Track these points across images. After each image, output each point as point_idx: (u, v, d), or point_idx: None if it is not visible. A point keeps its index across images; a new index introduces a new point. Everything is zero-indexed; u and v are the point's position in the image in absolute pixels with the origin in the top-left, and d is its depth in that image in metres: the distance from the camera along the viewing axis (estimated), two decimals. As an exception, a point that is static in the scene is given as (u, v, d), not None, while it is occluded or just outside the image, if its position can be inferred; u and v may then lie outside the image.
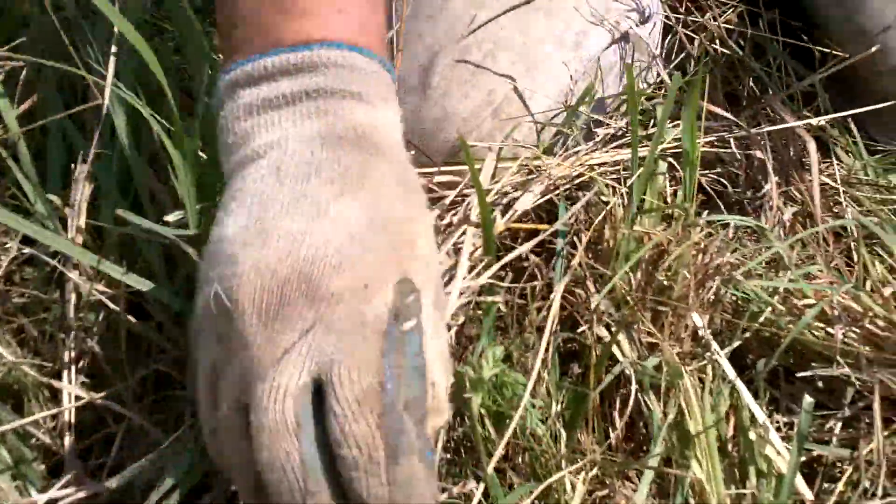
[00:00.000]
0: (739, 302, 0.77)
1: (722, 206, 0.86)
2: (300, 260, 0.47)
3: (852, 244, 0.83)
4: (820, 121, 0.91)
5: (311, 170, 0.51)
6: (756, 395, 0.71)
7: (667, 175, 0.82)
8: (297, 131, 0.52)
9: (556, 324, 0.71)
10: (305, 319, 0.47)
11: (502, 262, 0.72)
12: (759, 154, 0.86)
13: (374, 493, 0.44)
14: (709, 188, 0.88)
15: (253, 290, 0.47)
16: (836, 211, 0.89)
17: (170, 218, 0.61)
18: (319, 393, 0.46)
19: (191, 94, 0.69)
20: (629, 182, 0.75)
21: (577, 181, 0.78)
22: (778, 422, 0.74)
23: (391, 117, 0.57)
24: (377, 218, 0.51)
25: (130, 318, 0.62)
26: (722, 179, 0.88)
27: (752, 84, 0.98)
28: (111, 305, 0.61)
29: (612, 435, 0.70)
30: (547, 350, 0.69)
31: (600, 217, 0.74)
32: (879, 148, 0.96)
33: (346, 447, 0.44)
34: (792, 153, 0.89)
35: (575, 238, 0.76)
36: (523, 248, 0.74)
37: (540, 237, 0.74)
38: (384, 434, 0.44)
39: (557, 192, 0.77)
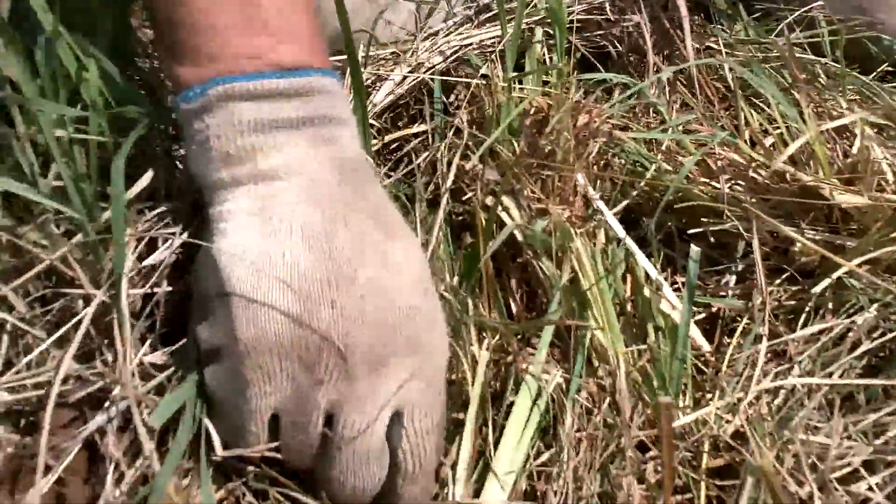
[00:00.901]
0: (627, 164, 0.77)
1: (605, 72, 0.85)
2: (401, 314, 0.54)
3: (738, 101, 0.83)
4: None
5: (346, 206, 0.55)
6: (650, 256, 0.71)
7: (544, 43, 0.81)
8: (313, 158, 0.56)
9: (447, 195, 0.70)
10: (406, 369, 0.54)
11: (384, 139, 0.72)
12: (637, 19, 0.85)
13: (423, 488, 0.55)
14: (593, 59, 0.87)
15: (366, 336, 0.52)
16: (721, 74, 0.89)
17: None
18: None
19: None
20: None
21: (451, 59, 0.77)
22: (676, 281, 0.74)
23: (359, 136, 0.62)
24: (418, 261, 0.58)
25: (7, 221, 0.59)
26: (607, 45, 0.87)
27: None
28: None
29: (512, 305, 0.70)
30: (441, 223, 0.68)
31: (474, 84, 0.73)
32: (758, 7, 0.96)
33: (410, 463, 0.54)
34: (672, 23, 0.89)
35: (459, 114, 0.75)
36: (414, 128, 0.73)
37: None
38: (437, 453, 0.56)
39: (431, 70, 0.76)
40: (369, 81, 0.75)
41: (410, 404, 0.54)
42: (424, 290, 0.57)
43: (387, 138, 0.73)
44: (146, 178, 0.59)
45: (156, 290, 0.59)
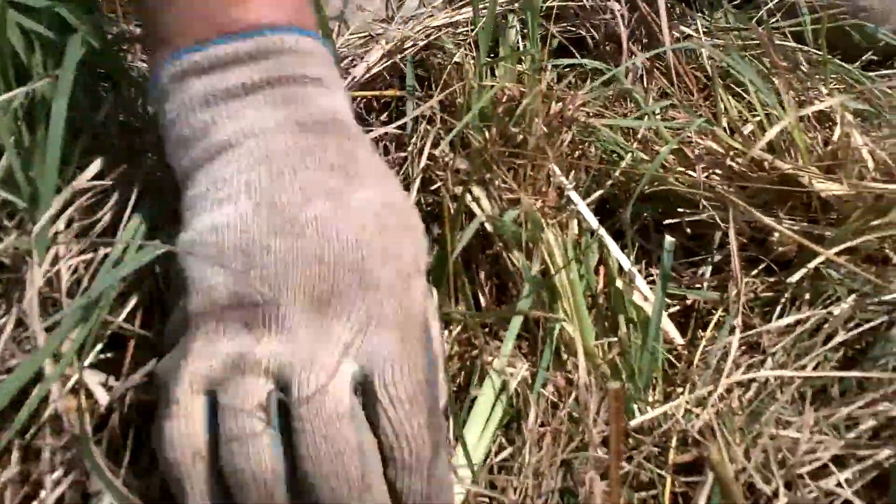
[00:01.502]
0: (602, 154, 0.75)
1: (580, 58, 0.84)
2: (346, 246, 0.47)
3: (716, 88, 0.81)
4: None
5: (304, 156, 0.49)
6: (625, 248, 0.70)
7: (518, 30, 0.79)
8: (269, 119, 0.50)
9: (418, 185, 0.68)
10: (359, 310, 0.46)
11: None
12: (614, 6, 0.83)
13: (414, 490, 0.44)
14: (570, 47, 0.86)
15: (303, 276, 0.46)
16: (701, 63, 0.87)
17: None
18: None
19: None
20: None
21: (423, 44, 0.75)
22: (651, 273, 0.73)
23: (345, 99, 0.56)
24: (393, 207, 0.50)
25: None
26: (583, 33, 0.86)
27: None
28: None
29: (481, 298, 0.69)
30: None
31: (447, 72, 0.71)
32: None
33: (397, 446, 0.44)
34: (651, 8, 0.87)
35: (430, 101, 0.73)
36: (389, 128, 0.71)
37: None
38: (430, 433, 0.44)
39: (403, 56, 0.74)
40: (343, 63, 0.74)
41: (379, 361, 0.45)
42: (383, 227, 0.49)
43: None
44: (95, 166, 0.58)
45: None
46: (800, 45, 0.89)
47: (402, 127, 0.72)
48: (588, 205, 0.71)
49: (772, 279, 0.70)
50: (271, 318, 0.45)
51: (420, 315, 0.48)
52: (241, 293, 0.46)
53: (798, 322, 0.65)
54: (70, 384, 0.52)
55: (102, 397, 0.52)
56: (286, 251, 0.46)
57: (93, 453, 0.45)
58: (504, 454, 0.57)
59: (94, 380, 0.53)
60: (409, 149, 0.71)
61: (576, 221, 0.70)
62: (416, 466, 0.44)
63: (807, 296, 0.68)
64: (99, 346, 0.54)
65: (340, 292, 0.46)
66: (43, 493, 0.49)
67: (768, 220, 0.69)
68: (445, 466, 0.46)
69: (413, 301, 0.48)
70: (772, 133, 0.70)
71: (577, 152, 0.75)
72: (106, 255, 0.57)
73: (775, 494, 0.52)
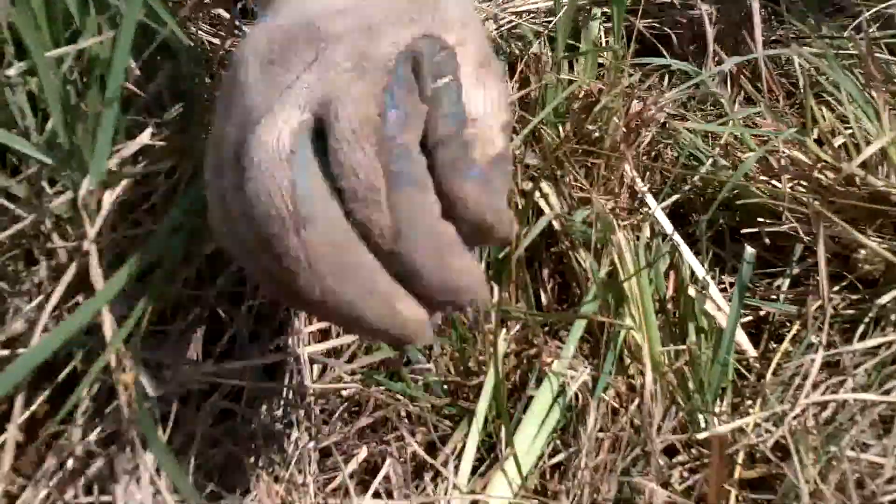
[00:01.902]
0: (679, 158, 0.72)
1: (666, 55, 0.80)
2: (307, 13, 0.45)
3: (807, 96, 0.77)
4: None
5: None
6: (698, 255, 0.66)
7: (601, 23, 0.76)
8: None
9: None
10: (305, 60, 0.44)
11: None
12: (701, 5, 0.80)
13: (377, 222, 0.40)
14: (657, 43, 0.82)
15: (258, 42, 0.45)
16: (788, 70, 0.83)
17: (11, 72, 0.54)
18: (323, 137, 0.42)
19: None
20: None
21: (502, 29, 0.73)
22: (723, 282, 0.69)
23: None
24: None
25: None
26: (667, 31, 0.82)
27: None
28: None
29: (543, 297, 0.66)
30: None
31: (523, 62, 0.68)
32: (832, 1, 0.90)
33: (345, 178, 0.40)
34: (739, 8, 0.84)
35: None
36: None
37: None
38: (384, 162, 0.41)
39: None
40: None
41: (326, 101, 0.42)
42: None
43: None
44: (145, 136, 0.55)
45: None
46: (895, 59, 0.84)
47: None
48: (662, 209, 0.67)
49: (854, 297, 0.66)
50: (234, 88, 0.45)
51: (381, 58, 0.43)
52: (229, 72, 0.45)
53: (882, 345, 0.61)
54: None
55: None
56: (257, 27, 0.45)
57: (153, 426, 0.44)
58: (559, 457, 0.54)
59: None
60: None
61: (648, 225, 0.67)
62: (369, 196, 0.41)
63: (892, 317, 0.63)
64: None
65: (288, 49, 0.44)
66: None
67: (860, 236, 0.64)
68: (416, 202, 0.41)
69: (371, 46, 0.44)
70: (870, 150, 0.66)
71: (653, 154, 0.72)
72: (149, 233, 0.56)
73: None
